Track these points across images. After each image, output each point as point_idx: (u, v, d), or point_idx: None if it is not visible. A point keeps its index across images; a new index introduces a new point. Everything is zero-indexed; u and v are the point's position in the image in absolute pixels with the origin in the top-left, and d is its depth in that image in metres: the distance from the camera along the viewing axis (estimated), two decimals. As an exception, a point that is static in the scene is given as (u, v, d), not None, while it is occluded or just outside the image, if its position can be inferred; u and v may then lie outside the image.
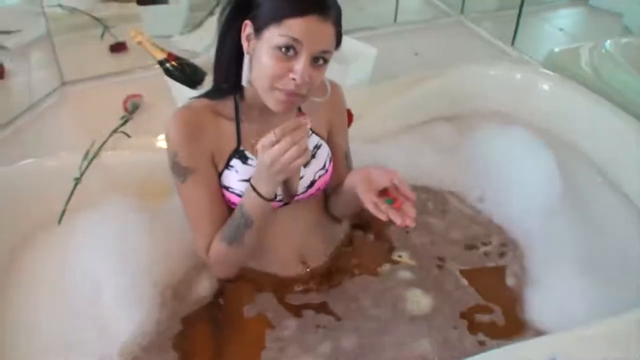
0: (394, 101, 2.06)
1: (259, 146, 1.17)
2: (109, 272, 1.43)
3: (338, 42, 1.24)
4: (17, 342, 1.35)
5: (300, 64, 1.17)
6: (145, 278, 1.43)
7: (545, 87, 2.13)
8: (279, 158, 1.15)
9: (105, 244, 1.48)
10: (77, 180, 1.63)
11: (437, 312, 1.44)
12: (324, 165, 1.43)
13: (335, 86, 1.46)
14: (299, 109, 1.40)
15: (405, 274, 1.53)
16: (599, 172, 1.91)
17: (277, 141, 1.14)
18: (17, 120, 1.99)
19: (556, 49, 2.34)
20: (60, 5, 2.52)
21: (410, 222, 1.20)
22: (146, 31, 1.91)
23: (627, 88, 2.02)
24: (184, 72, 1.90)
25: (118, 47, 2.44)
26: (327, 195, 1.54)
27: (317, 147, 1.43)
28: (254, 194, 1.26)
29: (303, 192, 1.41)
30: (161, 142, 1.77)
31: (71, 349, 1.32)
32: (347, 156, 1.56)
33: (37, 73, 2.30)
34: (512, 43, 2.60)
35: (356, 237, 1.62)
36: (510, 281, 1.56)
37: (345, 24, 1.25)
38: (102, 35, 2.50)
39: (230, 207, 1.37)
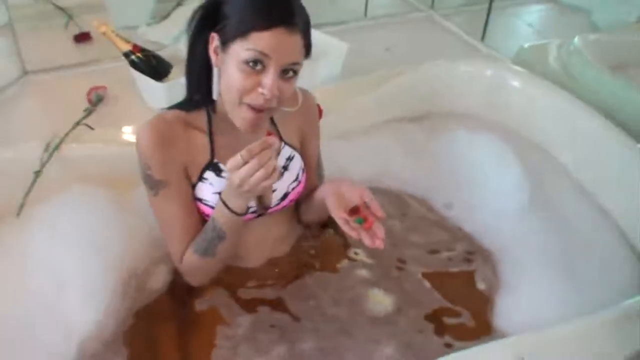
0: (364, 98, 2.05)
1: (227, 168, 1.15)
2: (69, 264, 1.41)
3: (307, 52, 1.21)
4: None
5: (268, 78, 1.14)
6: (106, 270, 1.41)
7: (515, 83, 2.13)
8: (247, 180, 1.13)
9: (66, 236, 1.46)
10: (38, 174, 1.59)
11: (400, 314, 1.42)
12: (297, 177, 1.42)
13: (306, 94, 1.45)
14: (272, 119, 1.38)
15: (363, 272, 1.51)
16: (567, 172, 1.92)
17: (245, 162, 1.12)
18: (-23, 110, 1.93)
19: (525, 45, 2.36)
20: (23, -7, 2.46)
21: (380, 244, 1.20)
22: (110, 22, 1.88)
23: (594, 84, 2.03)
24: (149, 64, 1.88)
25: (82, 37, 2.39)
26: (298, 203, 1.52)
27: (290, 158, 1.41)
28: (225, 208, 1.24)
29: (276, 205, 1.40)
30: (125, 135, 1.75)
31: (31, 341, 1.30)
32: (319, 165, 1.55)
33: (-2, 62, 2.24)
34: (482, 39, 2.60)
35: (315, 232, 1.60)
36: (480, 285, 1.55)
37: (315, 18, 1.22)
38: (67, 25, 2.43)
39: (204, 219, 1.35)
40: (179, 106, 1.33)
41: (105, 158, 1.70)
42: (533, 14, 3.10)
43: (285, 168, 1.39)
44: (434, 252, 1.65)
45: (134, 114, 1.89)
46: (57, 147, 1.64)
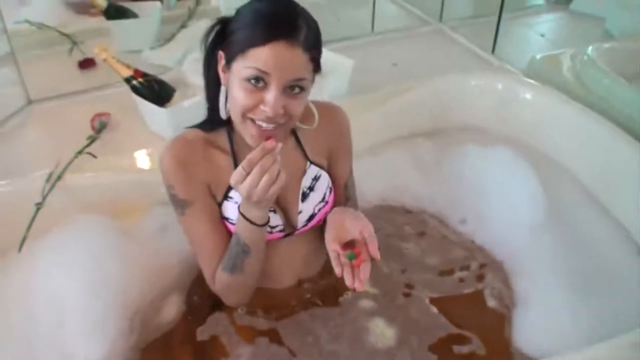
0: (373, 115, 2.01)
1: (231, 183, 1.13)
2: (73, 298, 1.39)
3: (316, 66, 1.16)
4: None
5: (270, 95, 1.10)
6: (112, 303, 1.40)
7: (527, 96, 2.10)
8: (254, 190, 1.11)
9: (69, 269, 1.45)
10: (39, 206, 1.57)
11: (402, 344, 1.38)
12: (324, 197, 1.38)
13: (336, 111, 1.41)
14: (297, 139, 1.35)
15: (366, 303, 1.47)
16: (581, 184, 1.88)
17: (248, 173, 1.10)
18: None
19: (538, 56, 2.32)
20: (27, 21, 2.44)
21: (359, 287, 1.17)
22: (113, 47, 1.86)
23: (610, 95, 1.99)
24: (151, 89, 1.86)
25: (87, 63, 2.37)
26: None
27: (316, 178, 1.37)
28: (245, 221, 1.22)
29: (303, 226, 1.37)
30: (128, 162, 1.74)
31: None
32: (347, 186, 1.49)
33: (2, 92, 2.22)
34: (493, 51, 2.56)
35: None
36: (491, 304, 1.51)
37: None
38: (71, 51, 2.42)
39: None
40: (200, 126, 1.32)
41: (110, 186, 1.68)
42: (545, 24, 3.05)
43: (311, 189, 1.36)
44: (446, 273, 1.61)
45: (136, 140, 1.87)
46: (59, 178, 1.62)
